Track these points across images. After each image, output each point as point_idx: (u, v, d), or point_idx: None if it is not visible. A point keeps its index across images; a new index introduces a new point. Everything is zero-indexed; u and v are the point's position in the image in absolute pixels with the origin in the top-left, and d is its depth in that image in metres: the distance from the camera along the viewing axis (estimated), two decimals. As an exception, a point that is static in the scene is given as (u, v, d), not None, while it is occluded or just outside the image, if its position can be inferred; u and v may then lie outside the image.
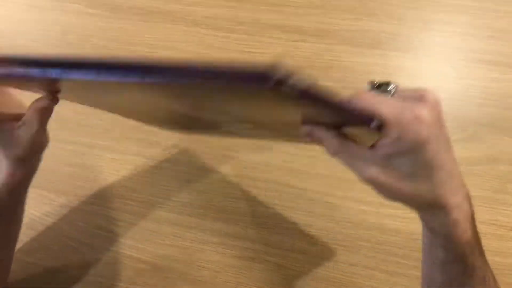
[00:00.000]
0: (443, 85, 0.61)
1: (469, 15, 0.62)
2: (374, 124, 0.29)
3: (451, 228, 0.32)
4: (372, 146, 0.31)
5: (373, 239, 0.57)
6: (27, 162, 0.45)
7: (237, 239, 0.58)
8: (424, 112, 0.29)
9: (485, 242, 0.56)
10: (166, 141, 0.64)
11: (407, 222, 0.57)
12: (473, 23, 0.62)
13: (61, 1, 0.69)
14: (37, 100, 0.42)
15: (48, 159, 0.62)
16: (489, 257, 0.55)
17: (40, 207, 0.61)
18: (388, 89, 0.32)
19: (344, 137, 0.33)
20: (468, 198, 0.34)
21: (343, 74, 0.63)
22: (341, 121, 0.32)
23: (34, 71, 0.28)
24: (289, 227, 0.58)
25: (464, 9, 0.63)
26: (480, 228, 0.56)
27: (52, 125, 0.62)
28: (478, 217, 0.56)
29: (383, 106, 0.29)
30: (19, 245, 0.53)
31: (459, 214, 0.32)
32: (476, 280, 0.35)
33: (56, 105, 0.63)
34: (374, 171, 0.31)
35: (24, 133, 0.42)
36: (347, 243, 0.57)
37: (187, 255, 0.58)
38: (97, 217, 0.58)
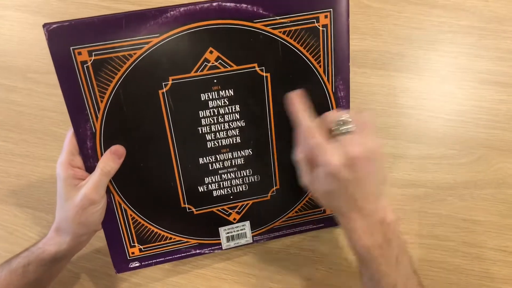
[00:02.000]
0: (449, 106, 0.60)
1: (475, 36, 0.61)
2: None
3: (349, 233, 0.43)
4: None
5: (379, 265, 0.56)
6: (86, 237, 0.50)
7: (240, 264, 0.57)
8: (338, 167, 0.40)
9: (494, 270, 0.55)
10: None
11: (414, 247, 0.56)
12: (479, 44, 0.61)
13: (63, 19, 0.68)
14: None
15: (45, 180, 0.61)
16: (498, 284, 0.54)
17: (36, 229, 0.60)
18: (347, 129, 0.42)
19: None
20: (370, 214, 0.42)
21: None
22: None
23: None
24: (293, 252, 0.57)
25: (470, 29, 0.62)
26: (489, 254, 0.55)
27: (52, 145, 0.62)
28: (486, 243, 0.55)
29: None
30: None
31: (355, 225, 0.42)
32: (384, 286, 0.41)
33: (58, 126, 0.63)
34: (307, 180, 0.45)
35: (99, 212, 0.47)
36: (352, 269, 0.56)
37: (187, 280, 0.57)
38: (97, 240, 0.57)
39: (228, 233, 0.52)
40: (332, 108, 0.49)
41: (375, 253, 0.41)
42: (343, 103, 0.49)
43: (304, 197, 0.53)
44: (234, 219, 0.52)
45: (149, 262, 0.52)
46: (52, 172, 0.61)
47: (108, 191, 0.48)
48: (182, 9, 0.42)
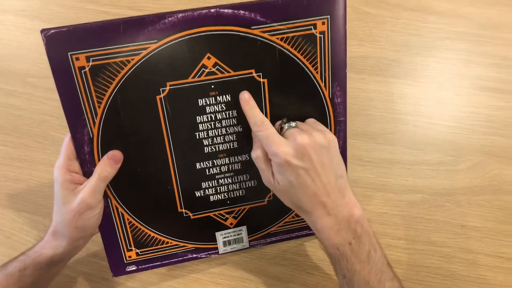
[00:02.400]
0: (446, 113, 0.60)
1: (472, 42, 0.62)
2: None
3: (318, 233, 0.43)
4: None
5: (375, 271, 0.56)
6: (83, 241, 0.49)
7: (236, 269, 0.57)
8: (288, 155, 0.41)
9: (490, 276, 0.55)
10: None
11: (410, 253, 0.56)
12: (476, 50, 0.61)
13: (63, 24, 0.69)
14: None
15: (44, 184, 0.62)
16: (495, 291, 0.54)
17: (33, 233, 0.60)
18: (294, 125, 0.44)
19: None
20: (336, 210, 0.42)
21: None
22: None
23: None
24: (289, 257, 0.57)
25: (467, 36, 0.62)
26: (485, 261, 0.55)
27: (51, 150, 0.62)
28: (483, 249, 0.55)
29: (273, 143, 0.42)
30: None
31: (322, 223, 0.42)
32: (356, 283, 0.41)
33: (56, 130, 0.63)
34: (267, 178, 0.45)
35: (96, 216, 0.47)
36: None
37: (183, 285, 0.57)
38: (93, 245, 0.57)
39: (224, 237, 0.52)
40: (329, 115, 0.49)
41: (346, 251, 0.41)
42: (340, 109, 0.49)
43: None
44: (231, 224, 0.52)
45: (146, 266, 0.52)
46: (50, 176, 0.61)
47: (105, 196, 0.48)
48: (180, 15, 0.42)
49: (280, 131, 0.44)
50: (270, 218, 0.53)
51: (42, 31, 0.41)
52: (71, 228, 0.46)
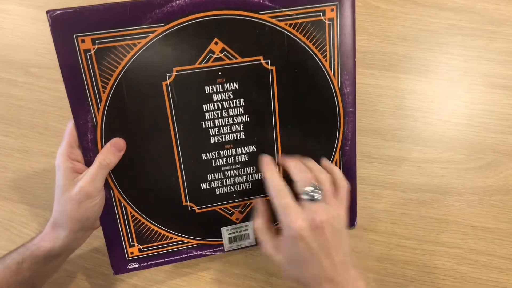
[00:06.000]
0: (457, 110, 0.59)
1: (485, 38, 0.60)
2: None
3: None
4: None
5: (383, 271, 0.54)
6: (82, 234, 0.47)
7: (238, 267, 0.55)
8: (304, 230, 0.41)
9: (503, 279, 0.53)
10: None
11: (420, 254, 0.54)
12: (489, 47, 0.60)
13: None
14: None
15: (44, 176, 0.60)
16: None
17: (32, 225, 0.58)
18: (315, 197, 0.43)
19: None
20: (342, 285, 0.41)
21: (353, 96, 0.61)
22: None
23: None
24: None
25: (480, 32, 0.60)
26: (498, 263, 0.53)
27: (52, 141, 0.61)
28: (495, 251, 0.54)
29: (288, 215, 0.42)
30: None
31: None
32: None
33: (58, 121, 0.62)
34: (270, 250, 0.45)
35: (96, 207, 0.46)
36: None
37: (186, 282, 0.55)
38: (93, 239, 0.56)
39: (230, 233, 0.51)
40: (338, 105, 0.48)
41: None
42: (349, 99, 0.48)
43: None
44: (237, 218, 0.51)
45: (149, 263, 0.50)
46: (51, 168, 0.60)
47: (107, 187, 0.46)
48: None
49: (300, 196, 0.43)
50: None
51: (48, 11, 0.40)
52: (70, 218, 0.44)
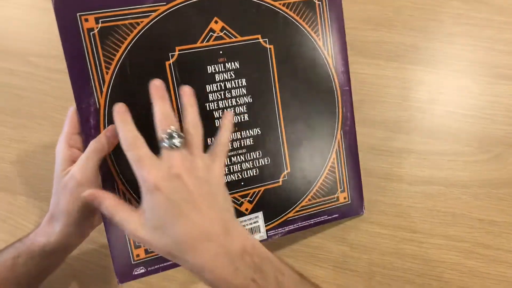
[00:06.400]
0: (465, 101, 0.58)
1: (493, 29, 0.59)
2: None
3: (211, 281, 0.35)
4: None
5: (389, 265, 0.53)
6: (77, 229, 0.44)
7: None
8: (159, 180, 0.35)
9: (511, 274, 0.52)
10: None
11: (426, 248, 0.53)
12: (498, 37, 0.59)
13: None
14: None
15: (42, 167, 0.59)
16: (515, 289, 0.51)
17: (30, 217, 0.57)
18: (175, 144, 0.37)
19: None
20: (225, 245, 0.35)
21: (358, 87, 0.59)
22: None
23: None
24: (298, 249, 0.54)
25: (488, 22, 0.59)
26: (506, 257, 0.52)
27: (50, 132, 0.60)
28: (503, 245, 0.53)
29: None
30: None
31: (212, 265, 0.34)
32: None
33: (57, 111, 0.60)
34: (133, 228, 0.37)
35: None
36: (360, 269, 0.53)
37: (184, 274, 0.54)
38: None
39: None
40: (335, 83, 0.50)
41: (243, 281, 0.34)
42: (344, 77, 0.50)
43: (316, 182, 0.51)
44: (246, 209, 0.49)
45: (156, 267, 0.47)
46: (49, 159, 0.59)
47: (111, 179, 0.43)
48: None
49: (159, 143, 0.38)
50: (286, 201, 0.50)
51: None
52: (63, 211, 0.42)
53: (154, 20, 0.43)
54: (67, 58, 0.41)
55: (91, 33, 0.41)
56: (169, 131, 0.37)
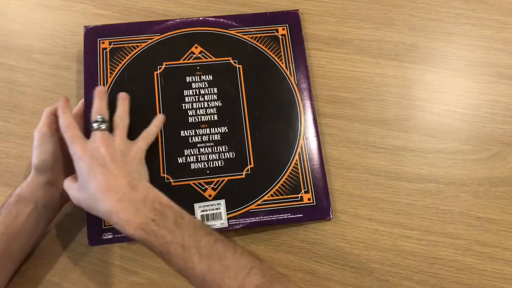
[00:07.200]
0: (464, 100, 0.58)
1: (493, 28, 0.59)
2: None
3: (118, 221, 0.43)
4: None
5: (387, 262, 0.53)
6: (45, 183, 0.51)
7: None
8: (84, 151, 0.46)
9: (508, 271, 0.52)
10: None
11: (424, 244, 0.54)
12: (497, 37, 0.59)
13: (69, 0, 0.67)
14: None
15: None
16: (511, 286, 0.52)
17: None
18: (101, 127, 0.49)
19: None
20: (129, 197, 0.43)
21: (358, 85, 0.60)
22: None
23: None
24: (297, 245, 0.55)
25: (488, 22, 0.60)
26: (503, 255, 0.53)
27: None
28: (501, 243, 0.53)
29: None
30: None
31: (117, 209, 0.43)
32: (174, 253, 0.41)
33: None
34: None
35: (49, 152, 0.51)
36: (358, 265, 0.53)
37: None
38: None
39: (203, 210, 0.53)
40: (297, 97, 0.58)
41: (151, 228, 0.42)
42: (306, 93, 0.58)
43: (279, 180, 0.55)
44: (210, 195, 0.54)
45: (122, 235, 0.51)
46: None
47: None
48: (178, 20, 0.61)
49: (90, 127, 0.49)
50: (248, 193, 0.54)
51: (85, 26, 0.59)
52: (35, 157, 0.50)
53: (149, 45, 0.59)
54: (85, 65, 0.58)
55: (104, 50, 0.58)
56: (98, 117, 0.49)
